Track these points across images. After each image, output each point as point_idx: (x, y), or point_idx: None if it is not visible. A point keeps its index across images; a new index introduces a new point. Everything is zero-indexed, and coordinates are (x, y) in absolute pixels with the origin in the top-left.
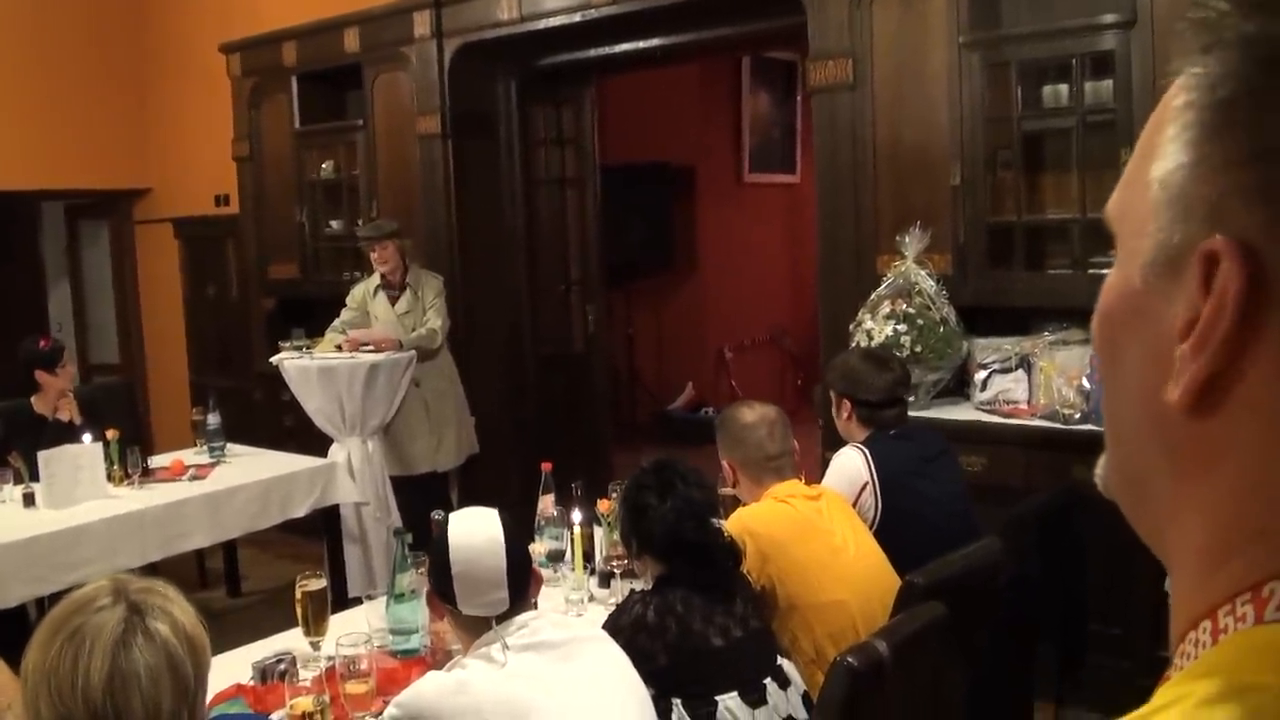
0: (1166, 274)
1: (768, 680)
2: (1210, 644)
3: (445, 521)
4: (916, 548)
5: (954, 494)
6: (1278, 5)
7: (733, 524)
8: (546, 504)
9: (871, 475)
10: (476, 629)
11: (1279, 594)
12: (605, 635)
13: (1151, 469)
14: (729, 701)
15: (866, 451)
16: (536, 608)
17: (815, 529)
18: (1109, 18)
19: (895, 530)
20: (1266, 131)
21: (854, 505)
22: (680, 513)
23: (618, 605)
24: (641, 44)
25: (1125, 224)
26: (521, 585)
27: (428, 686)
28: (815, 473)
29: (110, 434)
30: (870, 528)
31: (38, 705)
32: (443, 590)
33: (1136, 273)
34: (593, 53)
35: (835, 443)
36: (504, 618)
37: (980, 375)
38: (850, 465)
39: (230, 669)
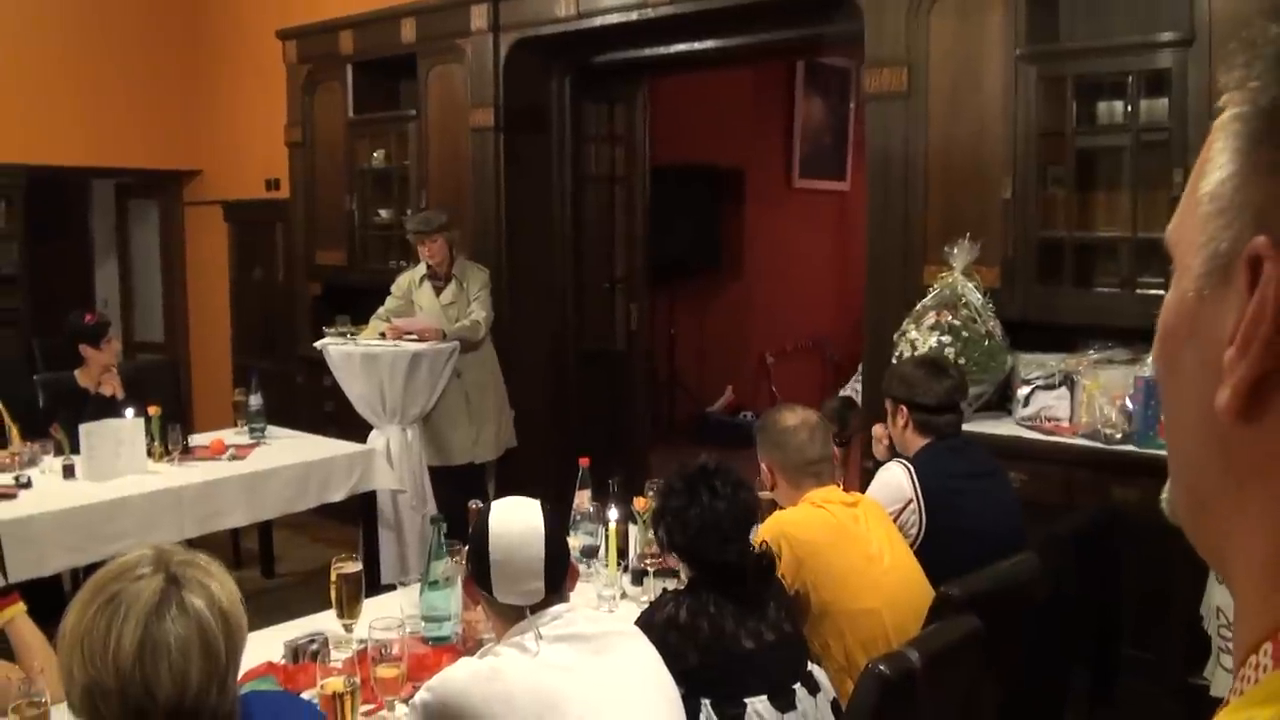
0: (1218, 283)
1: (797, 685)
2: (1272, 667)
3: (486, 509)
4: (962, 564)
5: (1004, 512)
6: None
7: (769, 527)
8: (583, 499)
9: (916, 492)
10: (510, 617)
11: None
12: (638, 631)
13: (1212, 484)
14: (758, 705)
15: (911, 468)
16: (569, 601)
17: (851, 536)
18: (1166, 35)
19: (941, 546)
20: None
21: (896, 521)
22: (701, 528)
23: (651, 603)
24: (696, 45)
25: (1181, 244)
26: (558, 577)
27: (460, 672)
28: (855, 483)
29: (152, 410)
30: (913, 544)
31: (71, 667)
32: (479, 577)
33: (1191, 286)
34: (647, 52)
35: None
36: (538, 608)
37: (1023, 391)
38: (894, 481)
39: (262, 647)
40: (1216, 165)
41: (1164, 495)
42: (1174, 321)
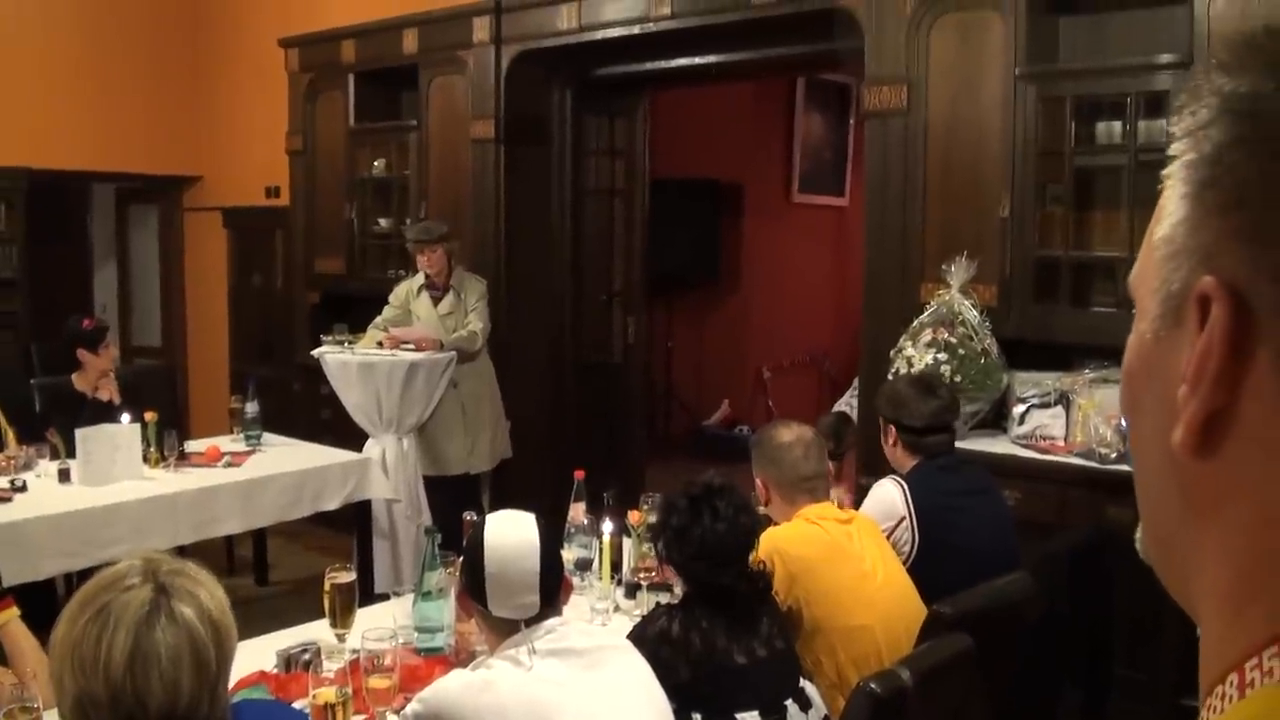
0: (1172, 324)
1: (789, 701)
2: (1237, 698)
3: (481, 522)
4: (955, 582)
5: (997, 530)
6: (1248, 65)
7: (763, 543)
8: (577, 512)
9: (909, 509)
10: (504, 631)
11: None
12: (630, 645)
13: (1173, 521)
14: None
15: (905, 485)
16: (562, 615)
17: (845, 553)
18: (1165, 57)
19: (933, 564)
20: (1246, 178)
21: (889, 538)
22: (700, 549)
23: (644, 616)
24: (697, 60)
25: (1140, 288)
26: (552, 590)
27: (453, 683)
28: (849, 499)
29: (149, 416)
30: (906, 561)
31: (62, 678)
32: (474, 590)
33: (1148, 328)
34: (648, 66)
35: (874, 470)
36: (533, 622)
37: (1019, 409)
38: (887, 498)
39: (254, 656)
40: (1168, 212)
41: (1137, 535)
42: (1134, 363)
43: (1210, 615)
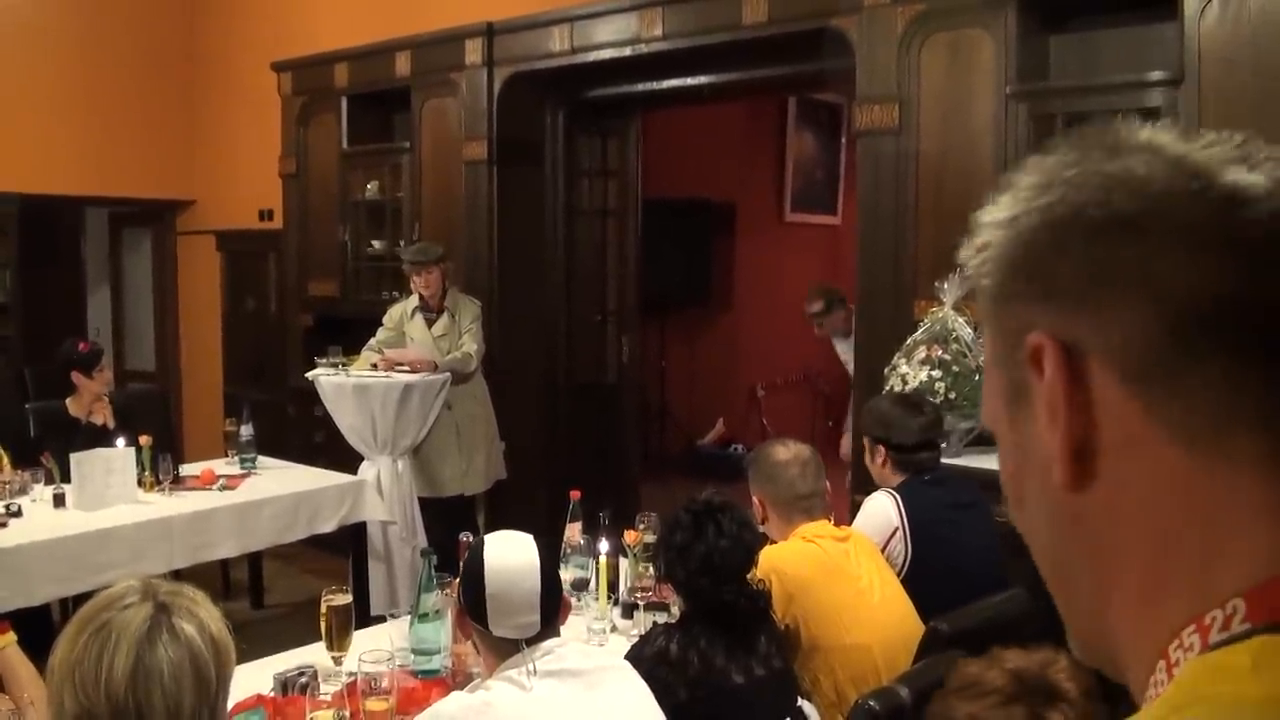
0: (1022, 402)
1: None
2: (1167, 681)
3: (480, 542)
4: (945, 595)
5: (986, 544)
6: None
7: (760, 562)
8: (573, 532)
9: (902, 521)
10: (504, 651)
11: (1219, 620)
12: (628, 666)
13: (1088, 586)
14: None
15: (898, 497)
16: (560, 635)
17: (842, 571)
18: (1156, 75)
19: (924, 577)
20: (1032, 257)
21: (883, 550)
22: (703, 565)
23: (642, 636)
24: (689, 80)
25: (991, 414)
26: (552, 610)
27: (451, 706)
28: (845, 516)
29: (143, 440)
30: (899, 574)
31: (62, 698)
32: (474, 610)
33: (1006, 425)
34: (640, 87)
35: (867, 486)
36: (532, 642)
37: None
38: (881, 510)
39: (252, 679)
40: (986, 341)
41: (1069, 641)
42: (1009, 468)
43: (1124, 628)
